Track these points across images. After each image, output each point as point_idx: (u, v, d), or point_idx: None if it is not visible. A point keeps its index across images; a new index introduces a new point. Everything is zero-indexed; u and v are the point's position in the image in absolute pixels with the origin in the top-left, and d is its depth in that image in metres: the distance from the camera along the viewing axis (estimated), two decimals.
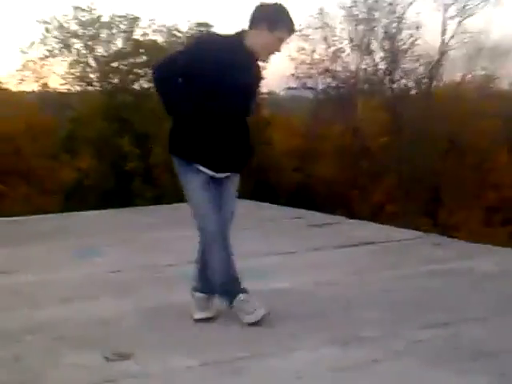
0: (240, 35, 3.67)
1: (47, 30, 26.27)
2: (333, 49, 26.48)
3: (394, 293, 4.29)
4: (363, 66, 26.07)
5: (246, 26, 3.69)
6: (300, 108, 29.09)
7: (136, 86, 25.00)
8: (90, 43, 26.77)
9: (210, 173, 3.65)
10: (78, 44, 26.75)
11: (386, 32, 25.31)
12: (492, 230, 19.16)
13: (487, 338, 3.44)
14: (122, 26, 26.90)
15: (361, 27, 25.74)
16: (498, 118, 21.79)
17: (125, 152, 22.83)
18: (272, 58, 3.72)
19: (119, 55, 25.86)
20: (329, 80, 26.66)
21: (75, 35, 26.63)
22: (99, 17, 26.50)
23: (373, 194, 22.92)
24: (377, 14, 25.38)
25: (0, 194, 20.94)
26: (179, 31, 24.30)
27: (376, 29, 25.50)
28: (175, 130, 3.73)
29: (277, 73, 29.10)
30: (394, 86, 25.78)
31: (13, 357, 3.31)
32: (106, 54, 26.75)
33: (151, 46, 24.13)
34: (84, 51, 26.76)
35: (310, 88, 26.89)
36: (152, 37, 25.95)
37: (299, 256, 5.47)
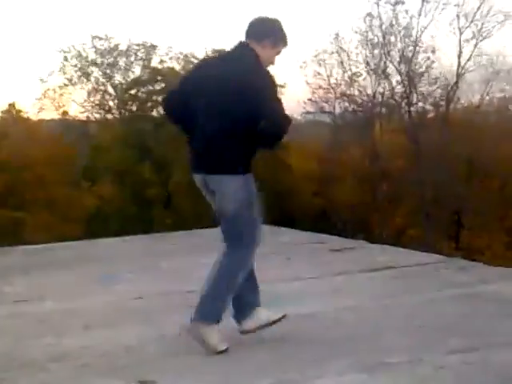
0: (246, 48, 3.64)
1: (66, 59, 26.63)
2: (349, 73, 26.63)
3: (419, 317, 4.24)
4: (380, 90, 26.13)
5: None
6: (318, 133, 29.14)
7: (154, 113, 25.22)
8: (108, 71, 27.08)
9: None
10: (96, 72, 27.09)
11: (402, 55, 25.36)
12: None
13: None
14: (140, 54, 27.21)
15: (376, 51, 25.85)
16: None
17: (145, 179, 22.98)
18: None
19: (137, 83, 26.14)
20: (346, 104, 26.76)
21: (93, 63, 26.96)
22: (117, 45, 26.85)
23: (393, 218, 22.81)
24: (392, 38, 25.47)
25: (22, 221, 21.12)
26: (196, 58, 24.53)
27: (392, 53, 25.59)
28: (227, 147, 3.53)
29: (294, 98, 29.24)
30: (412, 109, 25.76)
31: None
32: (124, 81, 27.04)
33: (169, 73, 24.39)
34: (102, 79, 27.09)
35: (328, 112, 26.99)
36: (169, 64, 26.24)
37: (322, 281, 5.44)
